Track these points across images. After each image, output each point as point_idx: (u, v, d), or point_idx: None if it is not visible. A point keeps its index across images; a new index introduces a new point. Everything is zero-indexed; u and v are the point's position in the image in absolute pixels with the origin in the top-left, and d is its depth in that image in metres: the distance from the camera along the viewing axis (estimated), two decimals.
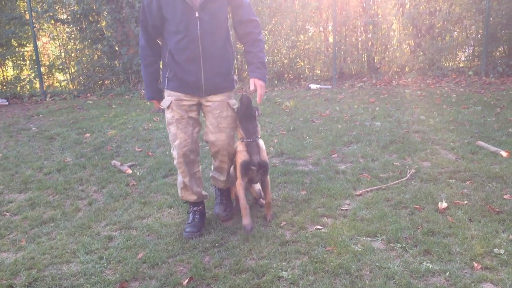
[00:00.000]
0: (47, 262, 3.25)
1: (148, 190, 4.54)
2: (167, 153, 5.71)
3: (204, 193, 3.76)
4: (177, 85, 3.44)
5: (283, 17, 11.23)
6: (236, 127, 3.59)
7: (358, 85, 10.18)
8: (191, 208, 3.73)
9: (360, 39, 11.55)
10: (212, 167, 3.82)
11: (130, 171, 5.08)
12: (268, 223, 3.63)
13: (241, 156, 3.52)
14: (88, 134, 6.95)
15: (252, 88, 3.46)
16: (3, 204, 4.39)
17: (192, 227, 3.56)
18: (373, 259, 3.03)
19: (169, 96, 3.48)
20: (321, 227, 3.54)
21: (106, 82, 11.58)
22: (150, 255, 3.23)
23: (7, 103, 10.36)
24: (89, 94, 10.99)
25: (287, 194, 4.23)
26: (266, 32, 11.32)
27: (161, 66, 3.57)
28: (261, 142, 3.62)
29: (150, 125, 7.28)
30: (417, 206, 3.79)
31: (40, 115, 8.76)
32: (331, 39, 11.33)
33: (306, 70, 11.55)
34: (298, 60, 11.61)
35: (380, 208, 3.80)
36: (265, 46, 11.33)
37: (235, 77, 3.63)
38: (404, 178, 4.41)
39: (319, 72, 11.72)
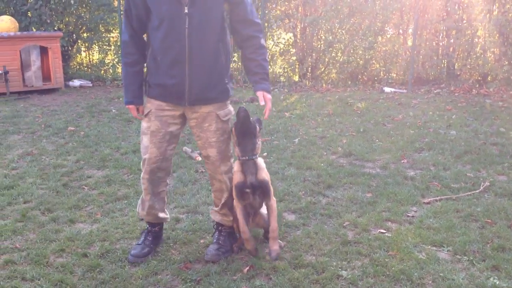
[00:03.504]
0: (119, 236, 3.47)
1: None
2: None
3: (163, 215, 3.32)
4: (157, 92, 3.02)
5: (362, 17, 11.03)
6: (231, 140, 3.18)
7: (435, 91, 9.82)
8: (147, 227, 3.34)
9: (441, 44, 11.12)
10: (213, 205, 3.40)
11: (199, 158, 5.24)
12: (272, 261, 3.07)
13: (236, 177, 3.12)
14: None
15: (262, 103, 2.97)
16: (82, 179, 4.70)
17: (139, 250, 3.17)
18: (437, 269, 2.96)
19: (149, 104, 3.08)
20: (385, 231, 3.50)
21: None
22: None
23: (91, 84, 10.97)
24: None
25: (352, 195, 4.20)
26: (343, 31, 11.19)
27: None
28: (259, 160, 3.14)
29: None
30: (489, 220, 3.65)
31: (120, 99, 9.19)
32: (410, 42, 11.00)
33: (381, 72, 11.29)
34: (373, 61, 11.38)
35: (449, 218, 3.69)
36: (341, 45, 11.26)
37: (231, 86, 3.12)
38: (477, 190, 4.25)
39: (394, 75, 11.42)
